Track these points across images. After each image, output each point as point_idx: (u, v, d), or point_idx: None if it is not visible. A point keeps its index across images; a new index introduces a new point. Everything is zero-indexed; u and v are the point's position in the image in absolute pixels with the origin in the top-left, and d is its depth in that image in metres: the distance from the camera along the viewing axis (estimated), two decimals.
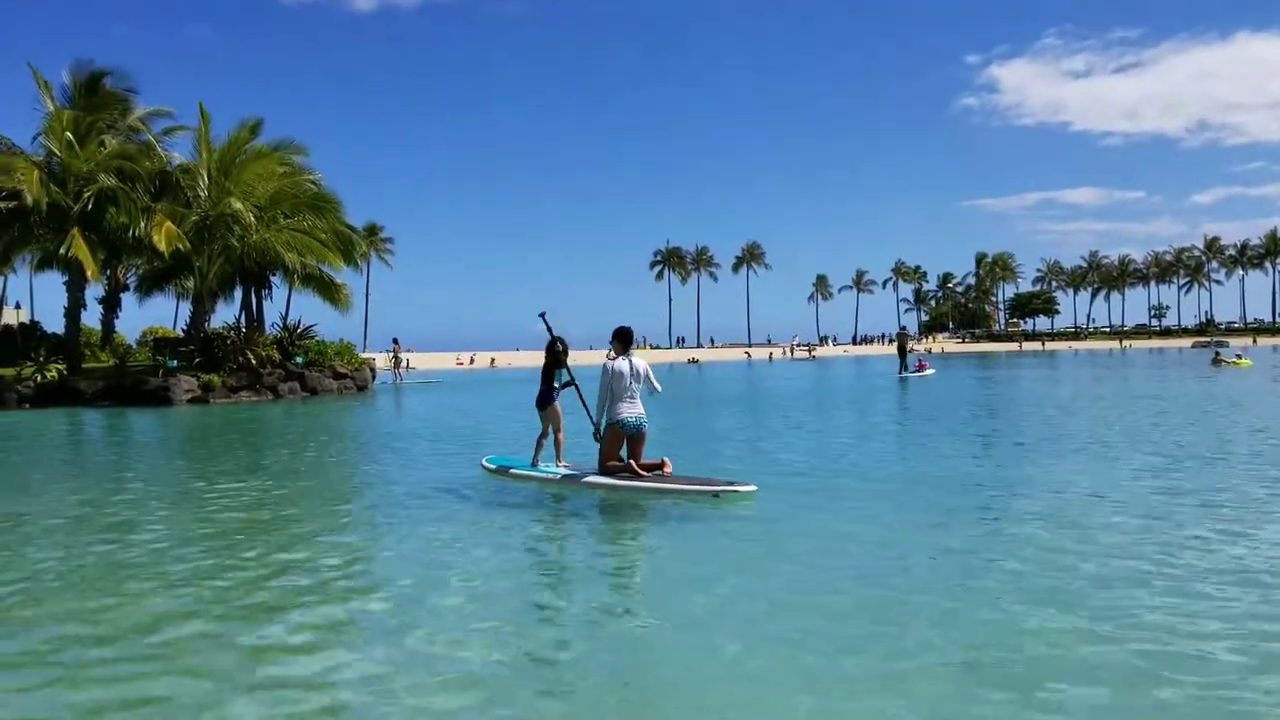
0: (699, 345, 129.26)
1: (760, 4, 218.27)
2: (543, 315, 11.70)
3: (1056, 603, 5.70)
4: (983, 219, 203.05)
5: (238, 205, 31.05)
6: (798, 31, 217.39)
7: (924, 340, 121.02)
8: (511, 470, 11.23)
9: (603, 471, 10.30)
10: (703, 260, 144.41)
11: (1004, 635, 5.14)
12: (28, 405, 29.11)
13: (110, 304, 36.85)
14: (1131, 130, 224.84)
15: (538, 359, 11.53)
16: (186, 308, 37.89)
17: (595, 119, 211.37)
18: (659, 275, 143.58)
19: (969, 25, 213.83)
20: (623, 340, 10.40)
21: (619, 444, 10.22)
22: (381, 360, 46.65)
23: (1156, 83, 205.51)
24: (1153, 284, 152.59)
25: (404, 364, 47.20)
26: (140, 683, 4.70)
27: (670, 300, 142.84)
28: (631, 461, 10.18)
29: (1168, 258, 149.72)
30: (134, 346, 37.64)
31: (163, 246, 29.59)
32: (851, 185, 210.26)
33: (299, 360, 33.51)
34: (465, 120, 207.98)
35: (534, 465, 11.17)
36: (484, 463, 11.86)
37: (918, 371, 39.60)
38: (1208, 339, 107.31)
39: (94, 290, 35.06)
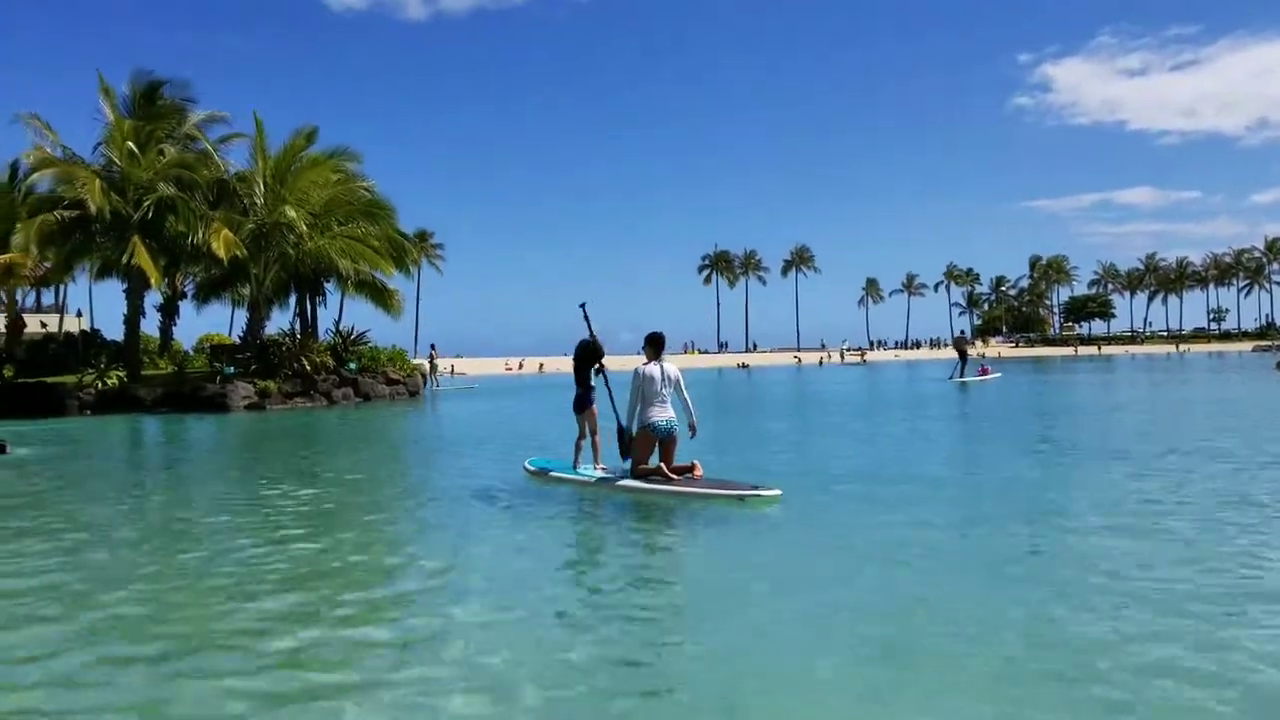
0: (746, 350, 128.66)
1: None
2: (582, 306, 11.64)
3: (1103, 612, 5.72)
4: (1036, 221, 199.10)
5: (292, 214, 31.75)
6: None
7: (976, 344, 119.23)
8: (551, 473, 11.52)
9: (635, 475, 10.49)
10: (751, 264, 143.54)
11: (1035, 642, 5.20)
12: (89, 412, 29.85)
13: (168, 311, 37.79)
14: (1189, 129, 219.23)
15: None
16: (242, 315, 38.84)
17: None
18: (707, 280, 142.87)
19: (1020, 24, 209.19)
20: (654, 345, 10.55)
21: (650, 447, 10.38)
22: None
23: (1215, 80, 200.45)
24: (1211, 286, 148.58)
25: (439, 370, 47.95)
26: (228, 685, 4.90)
27: (719, 305, 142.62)
28: (662, 464, 10.35)
29: (1227, 259, 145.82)
30: (191, 353, 38.53)
31: (221, 254, 30.28)
32: (896, 185, 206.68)
33: (352, 366, 34.12)
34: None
35: (574, 468, 11.40)
36: (526, 465, 12.17)
37: (980, 376, 39.09)
38: (1269, 343, 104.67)
39: (152, 298, 35.93)
